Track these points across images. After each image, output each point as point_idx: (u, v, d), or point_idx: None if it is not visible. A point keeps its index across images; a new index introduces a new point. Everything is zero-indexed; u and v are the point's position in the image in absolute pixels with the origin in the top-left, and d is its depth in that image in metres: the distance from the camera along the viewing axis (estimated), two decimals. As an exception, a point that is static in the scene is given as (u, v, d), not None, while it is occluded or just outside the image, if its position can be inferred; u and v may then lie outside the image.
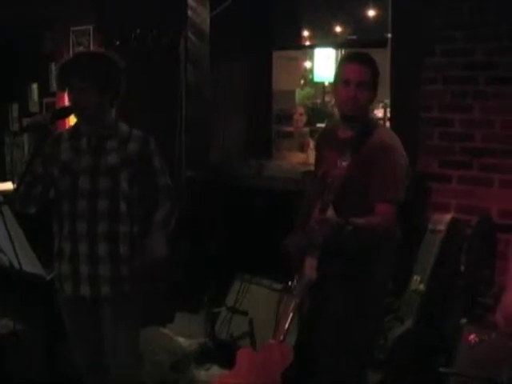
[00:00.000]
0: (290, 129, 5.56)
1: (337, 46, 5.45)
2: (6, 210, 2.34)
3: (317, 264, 2.61)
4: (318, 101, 6.18)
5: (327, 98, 6.30)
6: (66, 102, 2.74)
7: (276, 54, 5.31)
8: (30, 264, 2.50)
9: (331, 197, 2.45)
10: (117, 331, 2.71)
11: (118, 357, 2.73)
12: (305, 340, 2.85)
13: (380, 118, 5.09)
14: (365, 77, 2.61)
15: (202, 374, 3.56)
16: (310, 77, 6.04)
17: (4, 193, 2.51)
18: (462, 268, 3.37)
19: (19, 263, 2.38)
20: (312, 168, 2.97)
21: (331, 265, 2.62)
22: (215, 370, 3.58)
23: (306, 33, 5.28)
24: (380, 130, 2.70)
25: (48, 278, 2.65)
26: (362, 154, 2.56)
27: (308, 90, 6.09)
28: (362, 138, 2.60)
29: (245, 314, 3.86)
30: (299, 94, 5.93)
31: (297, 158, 5.23)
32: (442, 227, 3.40)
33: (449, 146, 3.60)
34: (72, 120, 2.84)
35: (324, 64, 5.87)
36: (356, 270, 2.63)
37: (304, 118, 5.59)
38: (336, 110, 5.56)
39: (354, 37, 5.08)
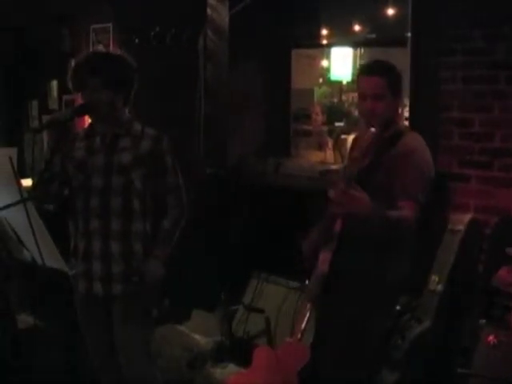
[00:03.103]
0: (309, 127, 5.54)
1: (356, 45, 5.42)
2: (29, 205, 2.36)
3: (331, 258, 2.59)
4: (335, 100, 6.16)
5: (344, 97, 6.28)
6: (84, 100, 2.76)
7: (294, 53, 5.30)
8: (53, 259, 2.52)
9: (355, 169, 2.44)
10: (127, 330, 2.73)
11: (128, 356, 2.75)
12: (319, 339, 2.84)
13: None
14: (379, 89, 2.59)
15: (218, 371, 3.57)
16: (328, 75, 6.02)
17: (28, 189, 2.53)
18: (481, 268, 3.35)
19: (42, 258, 2.40)
20: (330, 166, 2.98)
21: (344, 259, 2.60)
22: (231, 368, 3.58)
23: (324, 31, 5.26)
24: (407, 136, 2.67)
25: (70, 273, 2.68)
26: (386, 161, 2.56)
27: (325, 88, 6.07)
28: (388, 147, 2.59)
29: (261, 312, 3.87)
30: (316, 93, 5.92)
31: (315, 156, 5.21)
32: (461, 227, 3.38)
33: (468, 146, 3.57)
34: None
35: (341, 63, 5.85)
36: (368, 265, 2.61)
37: (322, 117, 5.58)
38: (352, 110, 5.57)
39: (373, 35, 5.05)
